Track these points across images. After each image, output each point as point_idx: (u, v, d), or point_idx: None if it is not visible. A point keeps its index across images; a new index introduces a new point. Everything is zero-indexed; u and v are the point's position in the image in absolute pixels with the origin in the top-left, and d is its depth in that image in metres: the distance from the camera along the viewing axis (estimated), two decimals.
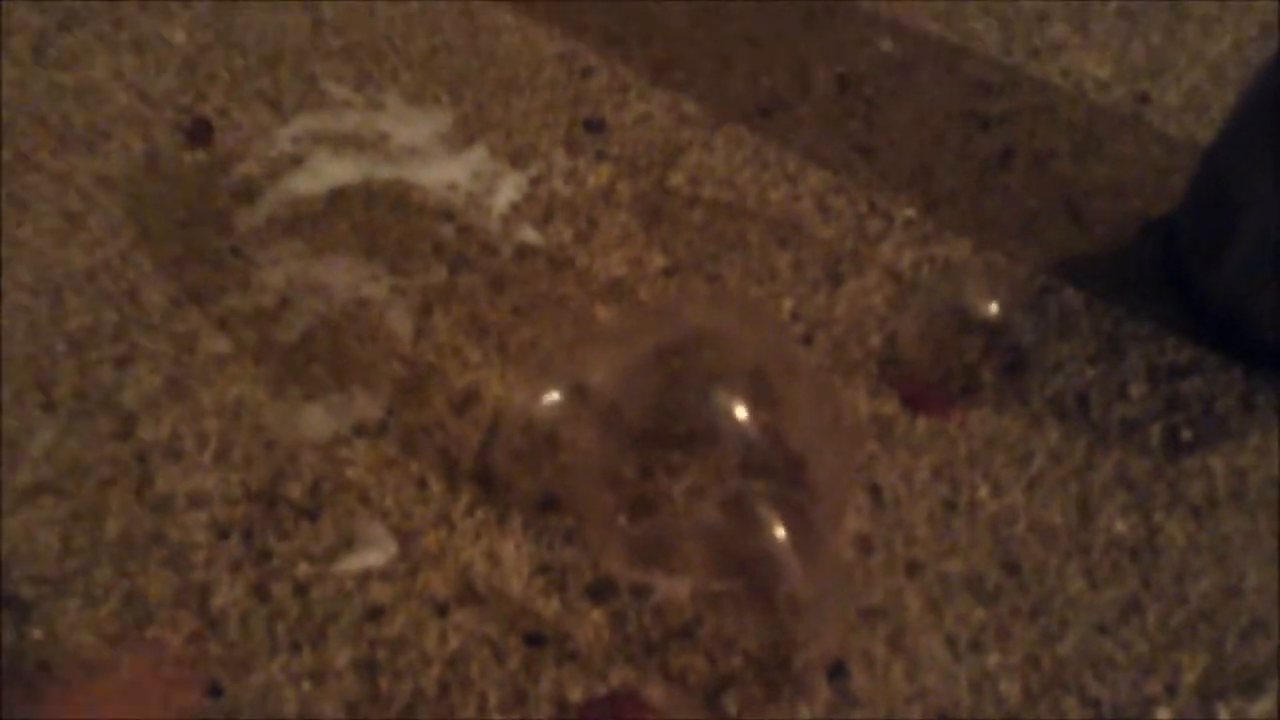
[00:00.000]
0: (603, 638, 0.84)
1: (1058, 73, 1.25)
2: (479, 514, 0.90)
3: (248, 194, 1.10)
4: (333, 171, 1.12)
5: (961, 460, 0.94)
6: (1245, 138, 0.95)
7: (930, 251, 1.08)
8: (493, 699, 0.81)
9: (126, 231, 1.06)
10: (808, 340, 1.01)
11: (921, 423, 0.96)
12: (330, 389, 0.96)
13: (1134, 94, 1.23)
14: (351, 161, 1.13)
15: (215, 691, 0.81)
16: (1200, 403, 0.98)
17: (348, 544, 0.88)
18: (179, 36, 1.25)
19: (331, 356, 0.98)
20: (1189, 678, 0.83)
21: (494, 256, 1.06)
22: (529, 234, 1.08)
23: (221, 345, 0.99)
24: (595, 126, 1.18)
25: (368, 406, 0.95)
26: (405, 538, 0.88)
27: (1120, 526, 0.91)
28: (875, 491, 0.92)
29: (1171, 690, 0.83)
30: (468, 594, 0.86)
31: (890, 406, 0.97)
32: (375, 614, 0.85)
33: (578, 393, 0.95)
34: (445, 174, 1.13)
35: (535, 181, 1.13)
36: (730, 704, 0.81)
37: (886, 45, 1.28)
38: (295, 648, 0.83)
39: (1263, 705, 0.82)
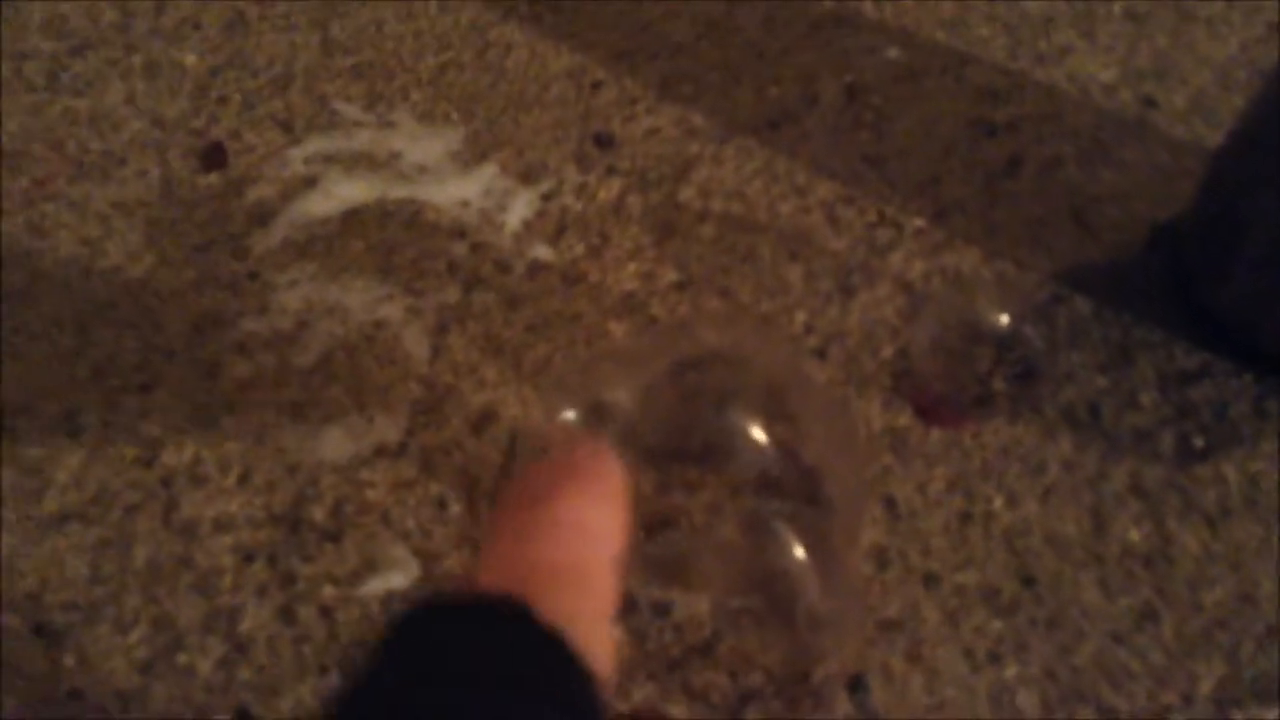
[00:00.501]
0: (624, 656, 0.85)
1: (1064, 78, 1.25)
2: None
3: (262, 217, 1.11)
4: (346, 192, 1.13)
5: (975, 471, 0.95)
6: (1252, 149, 0.95)
7: (940, 261, 1.08)
8: None
9: (145, 258, 1.07)
10: (821, 353, 1.02)
11: (935, 434, 0.97)
12: (349, 411, 0.98)
13: (1140, 98, 1.23)
14: (364, 181, 1.14)
15: (244, 715, 0.82)
16: (1211, 409, 0.98)
17: (371, 566, 0.89)
18: (190, 60, 1.26)
19: (350, 378, 0.99)
20: (1205, 686, 0.84)
21: (507, 274, 1.07)
22: (541, 250, 1.09)
23: (241, 370, 1.00)
24: (605, 141, 1.19)
25: (387, 428, 0.96)
26: (427, 559, 0.89)
27: (1134, 535, 0.92)
28: (891, 504, 0.93)
29: (1188, 699, 0.84)
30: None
31: (904, 418, 0.98)
32: None
33: (593, 410, 0.96)
34: (457, 192, 1.14)
35: (546, 197, 1.14)
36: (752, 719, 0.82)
37: (893, 53, 1.28)
38: (322, 671, 0.84)
39: (1278, 713, 0.83)
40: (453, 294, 1.05)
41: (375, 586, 0.88)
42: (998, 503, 0.93)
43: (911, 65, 1.27)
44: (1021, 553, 0.91)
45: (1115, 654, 0.86)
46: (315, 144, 1.18)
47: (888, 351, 1.02)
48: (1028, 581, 0.89)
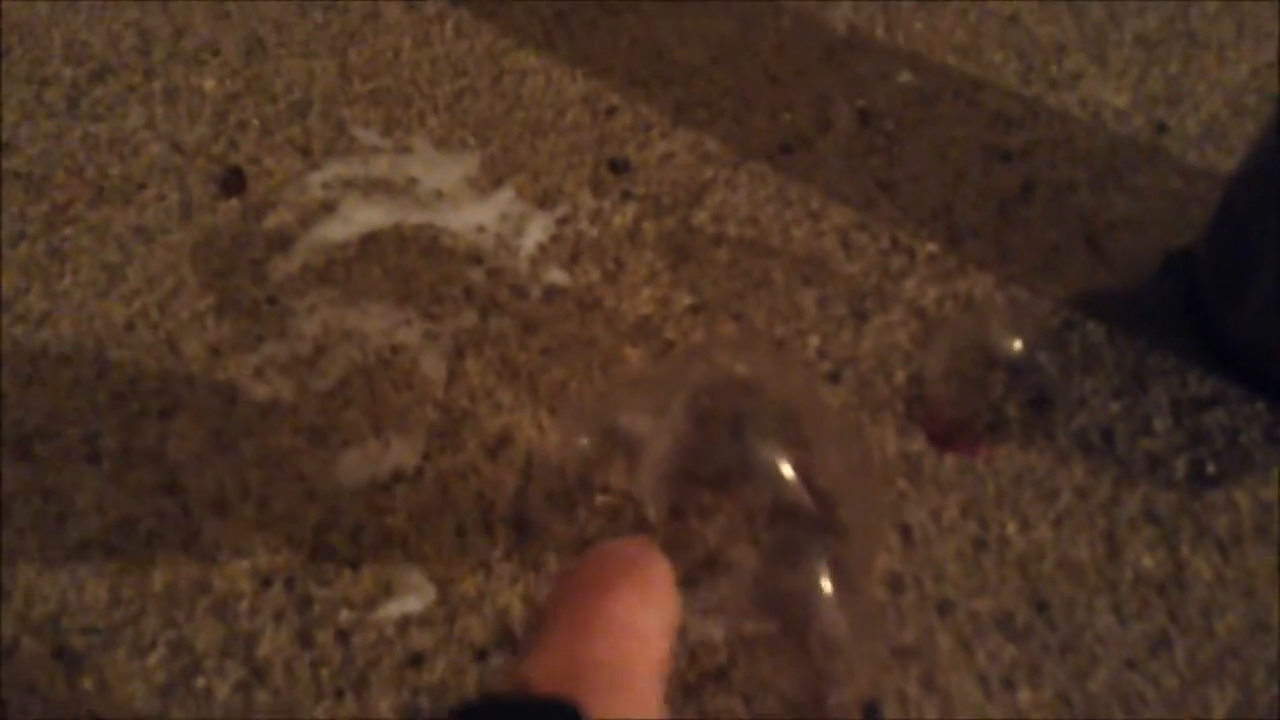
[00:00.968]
0: None
1: (1076, 103, 1.26)
2: (515, 558, 0.92)
3: (281, 242, 1.12)
4: (364, 217, 1.14)
5: (989, 498, 0.95)
6: (1265, 177, 0.96)
7: (953, 287, 1.09)
8: None
9: (164, 283, 1.08)
10: (835, 378, 1.03)
11: (949, 460, 0.97)
12: (367, 435, 0.98)
13: (1152, 123, 1.24)
14: (382, 207, 1.15)
15: None
16: (1224, 436, 0.99)
17: (387, 590, 0.90)
18: (209, 85, 1.27)
19: (367, 403, 1.00)
20: (1218, 713, 0.85)
21: (523, 299, 1.08)
22: (557, 275, 1.10)
23: (261, 394, 1.01)
24: (620, 167, 1.20)
25: (404, 453, 0.97)
26: (443, 584, 0.90)
27: (1147, 561, 0.92)
28: (905, 530, 0.94)
29: None
30: (506, 639, 0.87)
31: (918, 444, 0.99)
32: (416, 660, 0.86)
33: (608, 435, 0.96)
34: (474, 217, 1.15)
35: (562, 222, 1.15)
36: None
37: (906, 78, 1.29)
38: (339, 695, 0.85)
39: None
40: (469, 319, 1.06)
41: (391, 610, 0.89)
42: (1011, 528, 0.94)
43: (924, 90, 1.28)
44: (1035, 579, 0.91)
45: (1129, 680, 0.86)
46: (333, 169, 1.19)
47: (901, 377, 1.03)
48: (1041, 607, 0.90)
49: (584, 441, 0.96)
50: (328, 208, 1.15)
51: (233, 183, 1.17)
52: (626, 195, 1.17)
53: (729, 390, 0.95)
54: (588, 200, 1.17)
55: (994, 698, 0.85)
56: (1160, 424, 0.99)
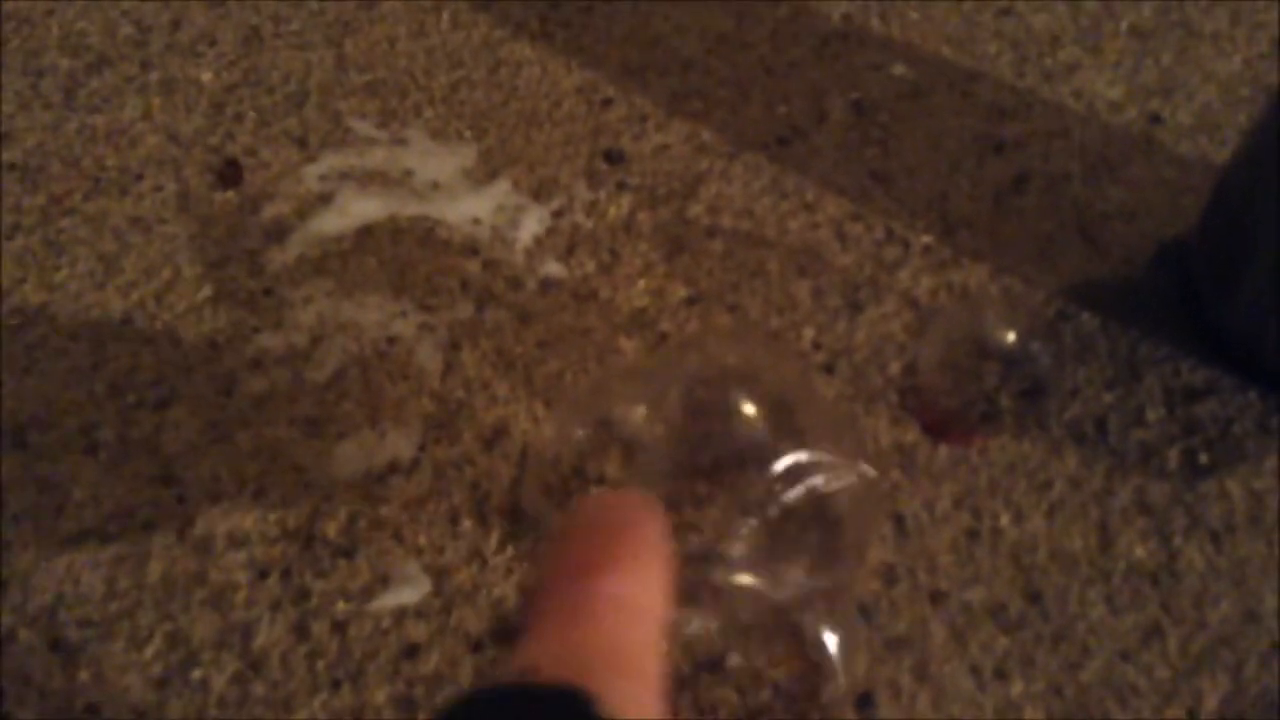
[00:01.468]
0: None
1: (1070, 94, 1.26)
2: (510, 549, 0.92)
3: (278, 233, 1.12)
4: (360, 209, 1.14)
5: (982, 488, 0.96)
6: (1257, 167, 0.96)
7: (948, 278, 1.09)
8: None
9: (161, 274, 1.08)
10: (829, 369, 1.03)
11: (942, 451, 0.98)
12: (362, 427, 0.99)
13: (1146, 114, 1.24)
14: (378, 199, 1.15)
15: None
16: (1217, 426, 0.99)
17: (383, 582, 0.90)
18: (206, 76, 1.27)
19: (363, 394, 1.00)
20: (1210, 703, 0.85)
21: (519, 290, 1.08)
22: (552, 267, 1.10)
23: (257, 386, 1.01)
24: (615, 158, 1.20)
25: (400, 444, 0.97)
26: (439, 574, 0.90)
27: (1140, 551, 0.92)
28: (898, 521, 0.94)
29: (1193, 716, 0.84)
30: (501, 630, 0.88)
31: (911, 435, 0.99)
32: (412, 651, 0.87)
33: (603, 426, 0.97)
34: (470, 209, 1.15)
35: (557, 214, 1.15)
36: None
37: (900, 70, 1.30)
38: (335, 685, 0.85)
39: None
40: (465, 310, 1.06)
41: (387, 602, 0.89)
42: (1004, 519, 0.94)
43: (918, 82, 1.28)
44: (1028, 569, 0.92)
45: (1122, 670, 0.87)
46: (330, 161, 1.19)
47: (895, 368, 1.03)
48: (1034, 598, 0.90)
49: (579, 433, 0.97)
50: (324, 199, 1.15)
51: (229, 174, 1.17)
52: (622, 186, 1.17)
53: (724, 382, 0.96)
54: (583, 192, 1.17)
55: (987, 688, 0.86)
56: (1153, 414, 1.00)
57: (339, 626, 0.88)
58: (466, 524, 0.93)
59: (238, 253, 1.11)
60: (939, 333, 1.05)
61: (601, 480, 0.95)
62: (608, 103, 1.26)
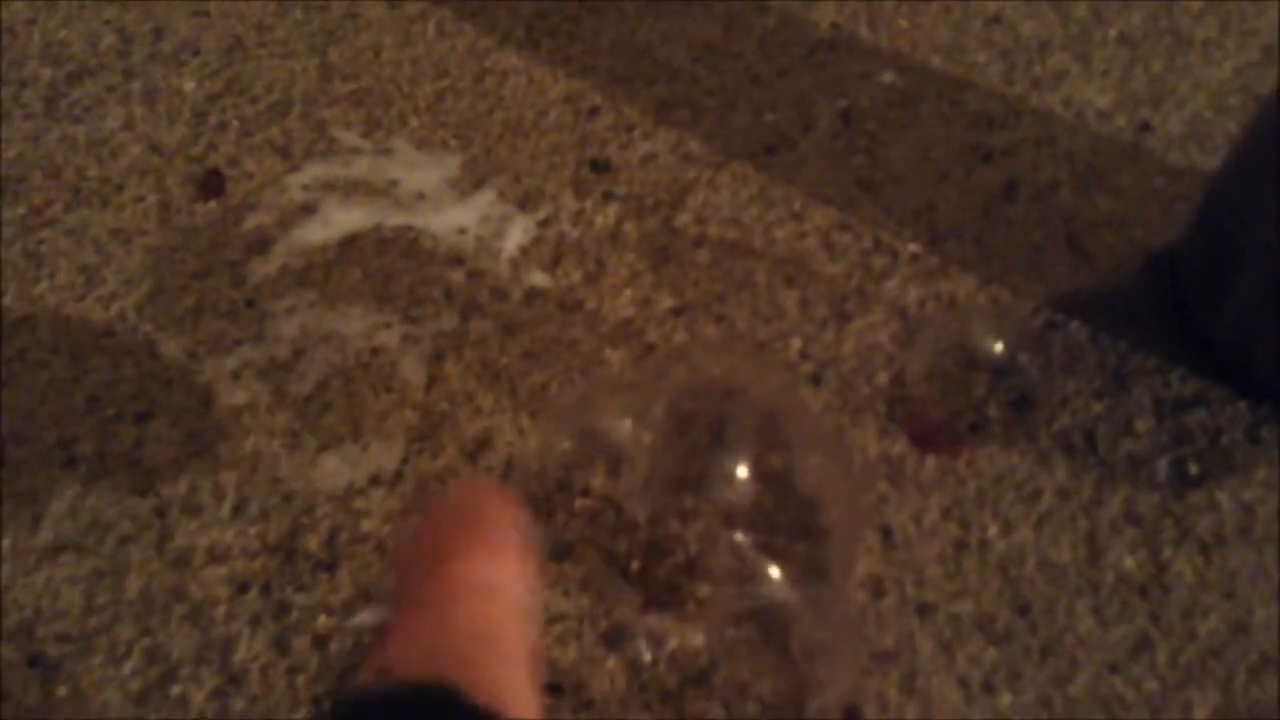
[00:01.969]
0: (619, 686, 0.85)
1: (1059, 102, 1.26)
2: None
3: (260, 244, 1.11)
4: (343, 219, 1.13)
5: (970, 499, 0.95)
6: (1247, 177, 0.96)
7: (936, 288, 1.09)
8: None
9: (142, 285, 1.08)
10: (816, 380, 1.02)
11: (930, 462, 0.97)
12: (345, 439, 0.98)
13: (1136, 123, 1.24)
14: (361, 209, 1.14)
15: None
16: (1206, 436, 0.98)
17: (365, 596, 0.89)
18: (189, 85, 1.26)
19: (346, 406, 1.00)
20: (1200, 716, 0.84)
21: (504, 301, 1.07)
22: (538, 277, 1.09)
23: (238, 398, 1.00)
24: (602, 167, 1.19)
25: (382, 456, 0.97)
26: None
27: (1129, 563, 0.92)
28: (886, 532, 0.93)
29: None
30: None
31: (899, 446, 0.98)
32: None
33: (589, 439, 0.96)
34: (455, 219, 1.14)
35: (543, 224, 1.14)
36: None
37: (889, 78, 1.29)
38: (315, 702, 0.84)
39: None
40: (450, 321, 1.06)
41: (368, 617, 0.88)
42: (992, 531, 0.93)
43: (907, 90, 1.27)
44: (1016, 581, 0.91)
45: (1110, 683, 0.86)
46: (313, 171, 1.18)
47: (883, 378, 1.03)
48: (1022, 610, 0.89)
49: (564, 445, 0.96)
50: (307, 209, 1.14)
51: (212, 184, 1.16)
52: (608, 196, 1.17)
53: (710, 393, 0.95)
54: (569, 201, 1.16)
55: (975, 701, 0.85)
56: (1142, 425, 0.99)
57: (320, 641, 0.87)
58: None
59: (219, 264, 1.10)
60: (927, 343, 1.04)
61: (587, 493, 0.94)
62: (595, 111, 1.25)
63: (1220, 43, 1.32)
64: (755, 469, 0.91)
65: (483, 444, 0.98)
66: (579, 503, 0.94)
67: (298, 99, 1.25)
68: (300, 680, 0.85)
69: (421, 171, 1.18)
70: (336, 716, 0.41)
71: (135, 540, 0.92)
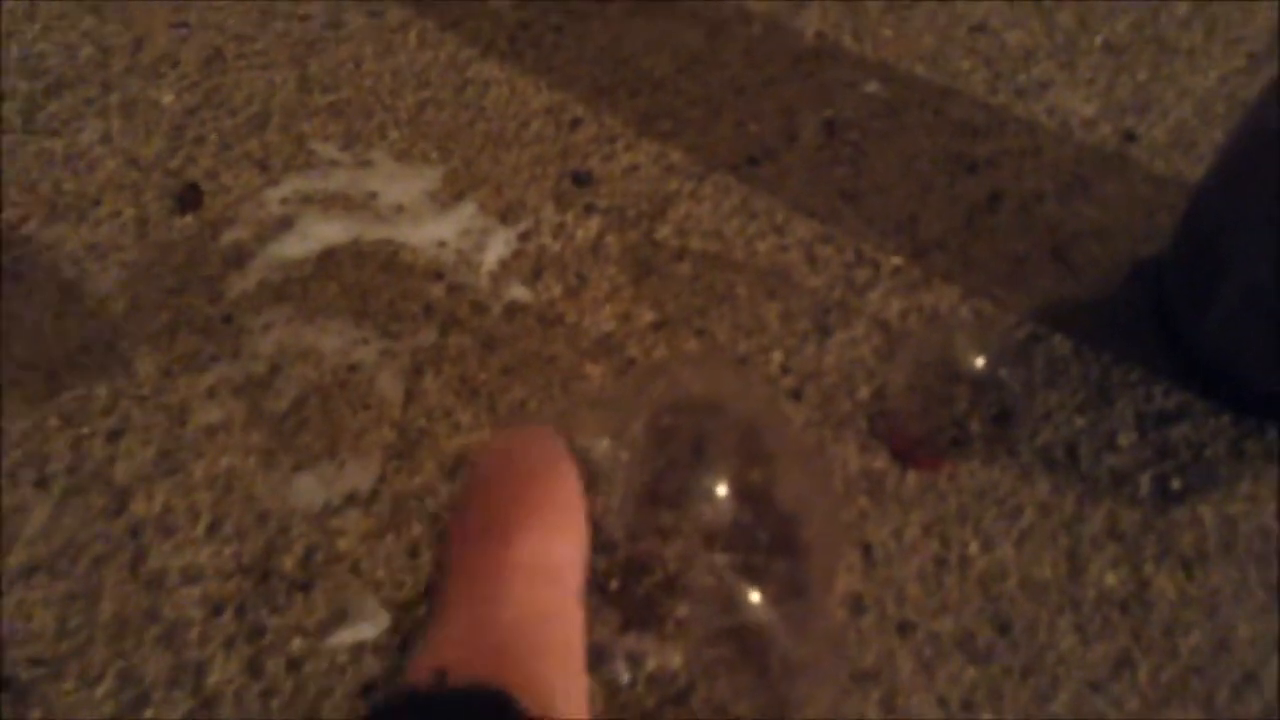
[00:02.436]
0: (597, 707, 0.84)
1: (1044, 112, 1.25)
2: None
3: (238, 259, 1.10)
4: (322, 233, 1.13)
5: (952, 515, 0.94)
6: (1231, 186, 0.95)
7: (918, 300, 1.08)
8: None
9: (119, 301, 1.07)
10: (797, 395, 1.01)
11: (911, 477, 0.96)
12: (321, 457, 0.97)
13: (1120, 132, 1.23)
14: (340, 222, 1.13)
15: None
16: (1189, 450, 0.98)
17: (340, 617, 0.88)
18: (167, 98, 1.25)
19: (322, 424, 0.99)
20: None
21: (484, 315, 1.07)
22: (518, 291, 1.09)
23: (213, 415, 0.99)
24: (583, 179, 1.18)
25: (358, 475, 0.96)
26: (397, 609, 0.89)
27: (1110, 579, 0.91)
28: (866, 549, 0.93)
29: None
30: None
31: (880, 461, 0.97)
32: (369, 689, 0.85)
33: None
34: (434, 232, 1.13)
35: (524, 237, 1.13)
36: None
37: (872, 88, 1.28)
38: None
39: None
40: (429, 336, 1.05)
41: (344, 638, 0.87)
42: (973, 547, 0.92)
43: (891, 100, 1.26)
44: (997, 598, 0.90)
45: (1091, 702, 0.85)
46: (292, 184, 1.17)
47: (864, 392, 1.02)
48: (1003, 628, 0.88)
49: None
50: (285, 223, 1.13)
51: (189, 198, 1.15)
52: (590, 209, 1.16)
53: (691, 409, 0.94)
54: (550, 214, 1.15)
55: None
56: (1125, 439, 0.98)
57: (294, 664, 0.86)
58: (426, 557, 0.92)
59: (196, 279, 1.09)
60: (909, 356, 1.03)
61: None
62: (577, 123, 1.24)
63: (1206, 51, 1.32)
64: (735, 485, 0.90)
65: (462, 461, 0.97)
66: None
67: (277, 111, 1.24)
68: (274, 704, 0.84)
69: (401, 184, 1.17)
70: (397, 716, 0.41)
71: (108, 561, 0.91)
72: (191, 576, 0.90)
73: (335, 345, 1.04)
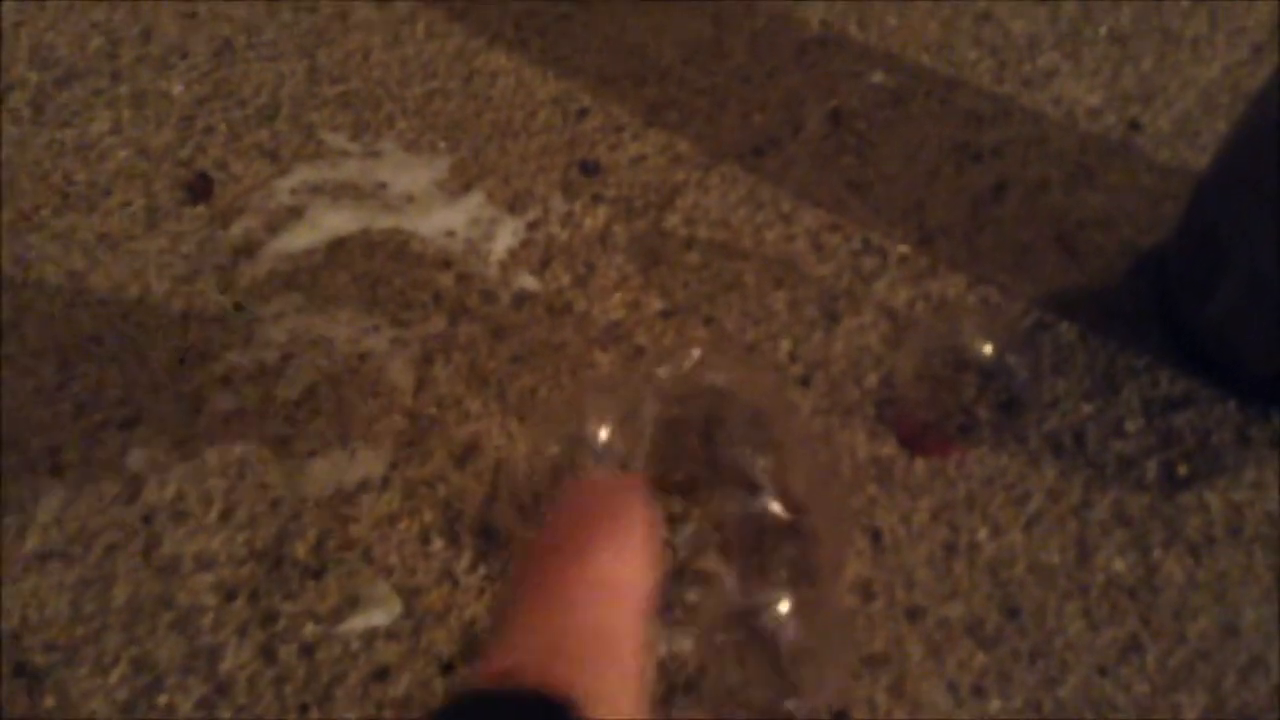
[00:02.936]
0: None
1: (1049, 101, 1.25)
2: (482, 569, 0.91)
3: (248, 248, 1.11)
4: (331, 222, 1.13)
5: (960, 501, 0.95)
6: (1235, 176, 0.95)
7: (925, 288, 1.08)
8: None
9: (130, 290, 1.07)
10: (805, 382, 1.02)
11: (919, 464, 0.97)
12: (333, 445, 0.97)
13: (1125, 121, 1.23)
14: (350, 212, 1.14)
15: None
16: (1195, 436, 0.98)
17: (353, 603, 0.89)
18: (177, 89, 1.26)
19: (334, 411, 0.99)
20: (1189, 717, 0.84)
21: (493, 304, 1.07)
22: (527, 280, 1.09)
23: (225, 403, 1.00)
24: (591, 169, 1.19)
25: (370, 462, 0.96)
26: (409, 595, 0.89)
27: (1119, 565, 0.92)
28: (875, 535, 0.93)
29: None
30: (472, 651, 0.87)
31: (889, 448, 0.98)
32: (381, 674, 0.86)
33: (578, 443, 0.95)
34: (443, 221, 1.14)
35: (532, 226, 1.14)
36: None
37: (878, 77, 1.29)
38: (303, 710, 0.84)
39: None
40: (438, 325, 1.05)
41: (357, 624, 0.88)
42: (982, 533, 0.93)
43: (897, 89, 1.27)
44: (1005, 584, 0.91)
45: (1100, 686, 0.86)
46: (301, 174, 1.18)
47: (872, 380, 1.02)
48: (1012, 613, 0.89)
49: (553, 449, 0.96)
50: (295, 213, 1.14)
51: (199, 188, 1.16)
52: (597, 198, 1.16)
53: (699, 396, 0.95)
54: (558, 204, 1.16)
55: (964, 705, 0.85)
56: (1132, 425, 0.99)
57: (307, 649, 0.87)
58: (438, 543, 0.92)
59: (207, 268, 1.09)
60: (916, 344, 1.03)
61: None
62: (584, 113, 1.25)
63: (1210, 41, 1.32)
64: (744, 472, 0.91)
65: (471, 449, 0.98)
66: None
67: (286, 101, 1.25)
68: (288, 689, 0.85)
69: (410, 174, 1.18)
70: (464, 716, 0.42)
71: (122, 548, 0.91)
72: (205, 563, 0.91)
73: (346, 334, 1.04)
